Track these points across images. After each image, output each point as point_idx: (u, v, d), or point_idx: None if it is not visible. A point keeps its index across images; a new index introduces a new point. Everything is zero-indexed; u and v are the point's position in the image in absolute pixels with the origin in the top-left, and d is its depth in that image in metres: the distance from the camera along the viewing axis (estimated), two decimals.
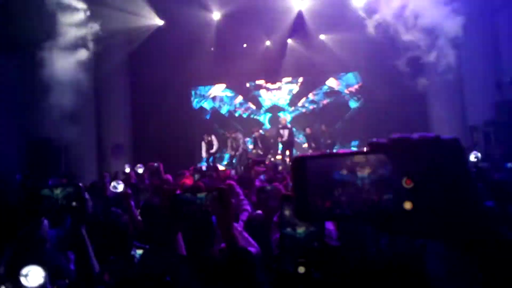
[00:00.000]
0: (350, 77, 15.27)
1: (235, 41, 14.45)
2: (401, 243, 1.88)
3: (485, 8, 10.49)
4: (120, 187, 4.69)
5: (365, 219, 0.62)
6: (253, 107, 15.96)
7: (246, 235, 2.96)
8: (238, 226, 2.97)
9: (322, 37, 14.32)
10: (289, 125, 13.72)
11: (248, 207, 4.20)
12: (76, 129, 11.40)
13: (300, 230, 1.26)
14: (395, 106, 12.50)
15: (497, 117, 10.11)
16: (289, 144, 13.22)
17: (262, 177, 6.56)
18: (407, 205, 0.60)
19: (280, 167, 8.30)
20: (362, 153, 0.62)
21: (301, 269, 1.26)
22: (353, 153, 0.63)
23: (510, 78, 9.99)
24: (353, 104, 15.19)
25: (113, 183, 5.06)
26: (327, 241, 1.25)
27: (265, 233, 3.50)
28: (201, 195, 2.04)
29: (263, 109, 15.93)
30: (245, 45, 14.78)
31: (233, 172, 9.36)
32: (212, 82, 15.97)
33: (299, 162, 0.63)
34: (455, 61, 9.86)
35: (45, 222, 2.35)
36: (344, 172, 0.62)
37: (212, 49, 14.48)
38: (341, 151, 0.65)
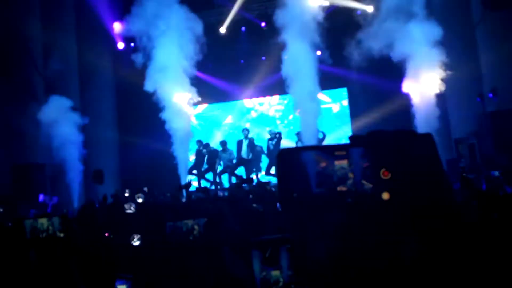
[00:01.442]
0: (338, 93, 15.43)
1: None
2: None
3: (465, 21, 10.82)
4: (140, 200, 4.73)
5: (345, 209, 0.66)
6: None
7: (237, 258, 2.95)
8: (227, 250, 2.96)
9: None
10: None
11: (238, 227, 4.19)
12: (63, 153, 11.28)
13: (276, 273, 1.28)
14: (379, 121, 12.64)
15: (479, 129, 10.32)
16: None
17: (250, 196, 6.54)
18: (385, 195, 0.65)
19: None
20: (343, 146, 0.66)
21: None
22: (334, 147, 0.67)
23: (491, 90, 10.24)
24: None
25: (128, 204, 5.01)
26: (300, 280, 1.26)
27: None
28: (189, 221, 2.03)
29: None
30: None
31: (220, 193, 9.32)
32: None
33: (284, 155, 0.67)
34: (437, 75, 10.08)
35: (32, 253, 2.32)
36: (326, 164, 0.66)
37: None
38: (323, 145, 0.68)
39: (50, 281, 2.25)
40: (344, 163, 0.63)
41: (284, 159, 0.68)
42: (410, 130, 0.54)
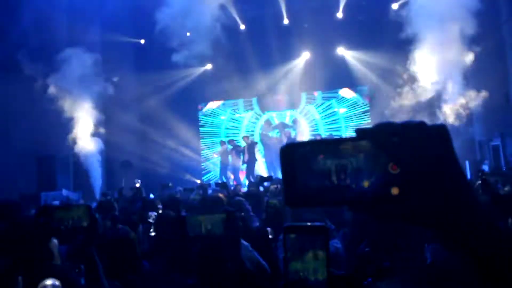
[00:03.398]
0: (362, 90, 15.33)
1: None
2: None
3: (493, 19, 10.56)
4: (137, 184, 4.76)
5: (352, 204, 0.64)
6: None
7: (256, 254, 2.96)
8: (249, 246, 2.97)
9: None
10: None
11: (257, 224, 4.20)
12: (85, 145, 11.53)
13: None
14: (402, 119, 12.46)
15: (505, 131, 10.06)
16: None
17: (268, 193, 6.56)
18: (394, 191, 0.61)
19: None
20: (349, 139, 0.64)
21: None
22: (340, 140, 0.65)
23: None
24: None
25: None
26: (333, 270, 1.23)
27: (273, 250, 3.50)
28: (208, 216, 2.05)
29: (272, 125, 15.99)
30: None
31: (242, 189, 9.38)
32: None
33: (287, 149, 0.66)
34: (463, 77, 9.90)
35: (54, 241, 2.39)
36: (332, 158, 0.64)
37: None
38: (329, 138, 0.67)
39: (72, 269, 2.31)
40: (350, 157, 0.61)
41: (288, 153, 0.66)
42: (420, 121, 0.52)
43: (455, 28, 9.48)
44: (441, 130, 0.62)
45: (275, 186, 6.81)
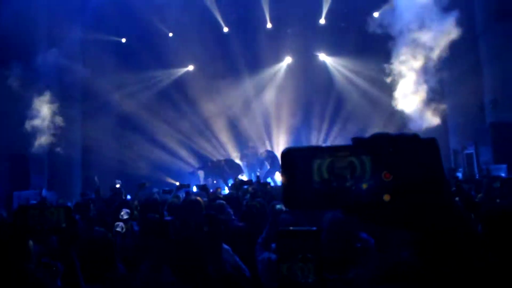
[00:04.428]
0: None
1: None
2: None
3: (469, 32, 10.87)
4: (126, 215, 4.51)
5: (347, 208, 0.68)
6: None
7: (237, 258, 2.96)
8: (230, 249, 2.96)
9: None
10: None
11: (238, 226, 4.19)
12: (61, 144, 11.27)
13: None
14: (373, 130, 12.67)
15: (478, 139, 10.36)
16: None
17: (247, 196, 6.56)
18: (386, 197, 0.65)
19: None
20: (346, 147, 0.68)
21: None
22: (337, 148, 0.68)
23: (491, 103, 10.28)
24: None
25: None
26: (325, 274, 1.24)
27: (252, 252, 3.50)
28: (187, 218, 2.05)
29: None
30: None
31: (223, 191, 9.32)
32: None
33: (288, 154, 0.69)
34: (438, 86, 10.14)
35: (30, 242, 2.32)
36: (329, 164, 0.68)
37: None
38: (328, 145, 0.70)
39: (47, 270, 2.25)
40: (346, 164, 0.66)
41: (289, 158, 0.70)
42: (414, 134, 0.57)
43: (432, 39, 9.72)
44: (432, 143, 0.67)
45: (253, 188, 6.84)
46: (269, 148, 14.23)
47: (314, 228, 1.22)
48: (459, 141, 11.27)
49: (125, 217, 4.36)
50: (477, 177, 8.98)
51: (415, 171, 0.64)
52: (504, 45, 9.81)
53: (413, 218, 0.65)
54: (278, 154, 14.03)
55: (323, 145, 0.70)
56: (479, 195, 6.09)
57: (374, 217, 0.67)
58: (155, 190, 9.29)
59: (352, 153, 0.66)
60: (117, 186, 8.49)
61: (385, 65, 10.32)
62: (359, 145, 0.68)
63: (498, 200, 5.41)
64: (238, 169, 13.60)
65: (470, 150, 10.47)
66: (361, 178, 0.66)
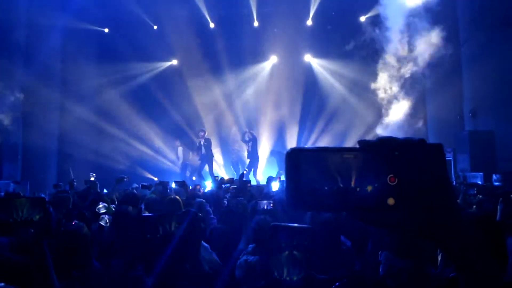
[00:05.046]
0: None
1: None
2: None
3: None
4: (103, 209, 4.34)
5: (351, 210, 0.69)
6: None
7: (215, 256, 2.91)
8: (209, 247, 2.91)
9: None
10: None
11: (216, 225, 4.14)
12: (36, 134, 10.99)
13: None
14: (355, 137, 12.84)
15: (457, 146, 10.58)
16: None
17: (228, 195, 6.53)
18: (390, 201, 0.66)
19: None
20: (352, 149, 0.68)
21: None
22: (344, 149, 0.67)
23: (471, 111, 10.51)
24: None
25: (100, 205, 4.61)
26: (312, 273, 1.23)
27: (230, 251, 3.46)
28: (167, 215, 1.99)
29: None
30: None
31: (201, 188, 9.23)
32: None
33: (293, 154, 0.70)
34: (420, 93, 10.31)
35: None
36: (335, 165, 0.70)
37: None
38: (333, 146, 0.70)
39: (22, 264, 2.15)
40: (351, 166, 0.67)
41: (293, 158, 0.70)
42: (420, 139, 0.59)
43: (417, 46, 9.88)
44: (438, 149, 0.68)
45: (234, 187, 6.81)
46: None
47: (307, 226, 1.21)
48: None
49: (102, 210, 4.25)
50: (454, 184, 9.16)
51: (421, 176, 0.66)
52: (484, 54, 10.04)
53: (417, 223, 0.66)
54: (262, 152, 14.06)
55: (329, 146, 0.71)
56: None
57: (378, 220, 0.67)
58: (135, 185, 9.13)
59: (357, 155, 0.67)
60: (92, 179, 8.31)
61: (369, 69, 10.44)
62: (365, 147, 0.68)
63: (474, 207, 5.53)
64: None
65: (449, 157, 10.67)
66: (366, 181, 0.66)
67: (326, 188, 0.66)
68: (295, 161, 0.68)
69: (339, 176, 0.66)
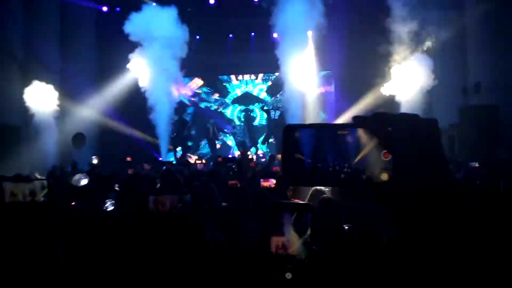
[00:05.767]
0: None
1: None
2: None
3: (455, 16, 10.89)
4: (84, 182, 4.33)
5: (343, 185, 0.71)
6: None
7: (221, 235, 2.94)
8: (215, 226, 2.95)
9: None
10: None
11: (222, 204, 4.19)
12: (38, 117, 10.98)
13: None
14: (361, 111, 12.70)
15: (460, 121, 10.53)
16: None
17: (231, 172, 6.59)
18: (384, 176, 0.70)
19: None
20: (346, 125, 0.69)
21: (288, 275, 1.24)
22: (338, 126, 0.70)
23: (475, 85, 10.41)
24: None
25: (77, 176, 4.59)
26: (316, 248, 1.24)
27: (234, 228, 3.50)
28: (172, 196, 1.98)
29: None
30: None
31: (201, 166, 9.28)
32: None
33: (289, 130, 0.71)
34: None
35: None
36: (330, 141, 0.71)
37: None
38: (327, 123, 0.69)
39: (28, 245, 2.18)
40: (346, 141, 0.66)
41: (289, 134, 0.69)
42: (414, 114, 0.57)
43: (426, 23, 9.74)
44: (433, 123, 0.70)
45: (234, 166, 6.86)
46: None
47: (307, 203, 1.21)
48: (442, 123, 11.41)
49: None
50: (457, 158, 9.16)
51: (415, 151, 0.65)
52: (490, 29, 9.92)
53: (412, 196, 0.68)
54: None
55: (324, 122, 0.69)
56: (458, 175, 6.25)
57: (373, 195, 0.71)
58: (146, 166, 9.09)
59: (352, 131, 0.67)
60: (94, 162, 8.36)
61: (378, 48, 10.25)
62: (360, 123, 0.69)
63: (478, 182, 5.54)
64: None
65: (452, 132, 10.63)
66: (359, 157, 0.69)
67: (322, 163, 0.67)
68: (292, 137, 0.69)
69: (334, 151, 0.67)
